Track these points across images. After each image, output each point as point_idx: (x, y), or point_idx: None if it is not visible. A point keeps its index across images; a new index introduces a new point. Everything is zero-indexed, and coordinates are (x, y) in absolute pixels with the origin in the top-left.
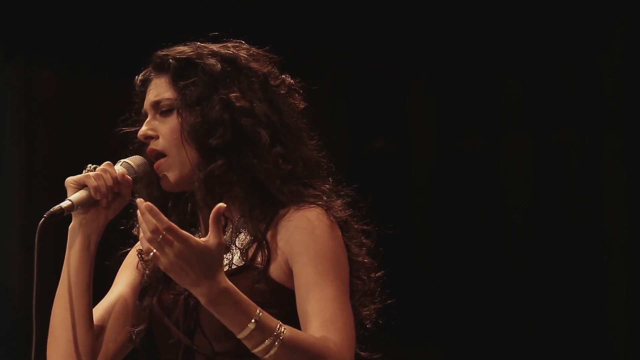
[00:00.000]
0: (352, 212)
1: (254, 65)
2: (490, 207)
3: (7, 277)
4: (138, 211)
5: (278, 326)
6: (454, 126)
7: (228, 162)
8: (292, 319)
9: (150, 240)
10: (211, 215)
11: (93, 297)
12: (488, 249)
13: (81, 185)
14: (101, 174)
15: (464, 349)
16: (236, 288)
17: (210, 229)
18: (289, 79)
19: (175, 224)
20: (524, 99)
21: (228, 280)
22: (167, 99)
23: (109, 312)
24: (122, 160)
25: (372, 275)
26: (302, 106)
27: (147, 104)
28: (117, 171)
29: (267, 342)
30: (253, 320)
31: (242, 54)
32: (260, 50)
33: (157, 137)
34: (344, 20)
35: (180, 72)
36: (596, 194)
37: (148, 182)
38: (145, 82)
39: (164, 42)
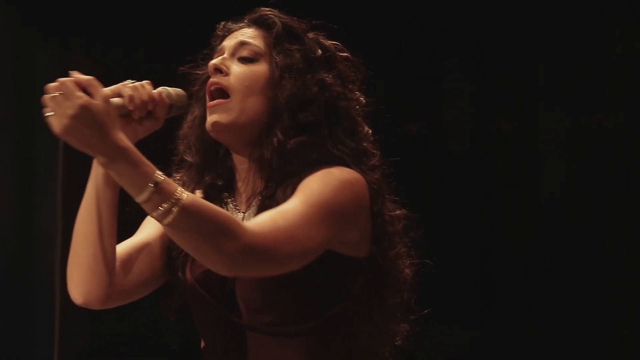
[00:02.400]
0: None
1: (342, 67)
2: (525, 189)
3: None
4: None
5: (179, 190)
6: (488, 108)
7: (312, 140)
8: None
9: (49, 99)
10: (87, 76)
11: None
12: (522, 232)
13: (116, 95)
14: (138, 87)
15: (494, 334)
16: (137, 149)
17: (90, 92)
18: (362, 99)
19: (209, 184)
20: (559, 80)
21: (126, 140)
22: (257, 46)
23: (135, 248)
24: (164, 87)
25: (408, 290)
26: (367, 131)
27: (230, 42)
28: (154, 91)
29: (165, 205)
30: (153, 183)
31: (338, 53)
32: (352, 57)
33: (227, 74)
34: (377, 3)
35: (282, 35)
36: (633, 178)
37: (194, 127)
38: (231, 29)
39: (200, 28)
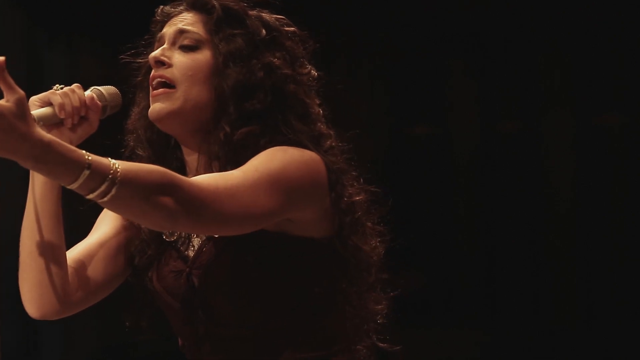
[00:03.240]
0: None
1: (289, 43)
2: (532, 189)
3: None
4: None
5: (111, 165)
6: (494, 109)
7: (261, 129)
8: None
9: None
10: None
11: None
12: (530, 232)
13: (45, 103)
14: (68, 93)
15: (504, 334)
16: (57, 139)
17: (3, 88)
18: (314, 72)
19: None
20: (566, 81)
21: (47, 134)
22: (197, 33)
23: (89, 251)
24: (94, 87)
25: (374, 269)
26: (317, 101)
27: (169, 31)
28: (86, 95)
29: (102, 186)
30: (84, 167)
31: (283, 29)
32: (298, 31)
33: (169, 66)
34: (383, 4)
35: (222, 19)
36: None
37: (142, 120)
38: (170, 14)
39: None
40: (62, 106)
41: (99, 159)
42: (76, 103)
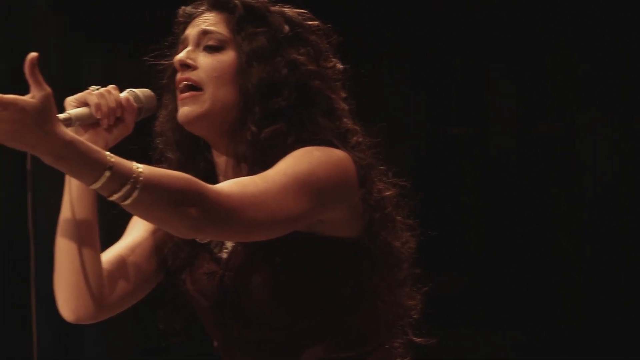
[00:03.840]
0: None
1: (313, 38)
2: (570, 191)
3: None
4: None
5: (135, 168)
6: (533, 111)
7: (287, 126)
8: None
9: None
10: (26, 70)
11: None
12: (568, 234)
13: (82, 103)
14: (104, 94)
15: (541, 335)
16: (80, 138)
17: (30, 83)
18: (339, 65)
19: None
20: (605, 82)
21: (70, 132)
22: (220, 34)
23: (123, 254)
24: (130, 89)
25: (406, 265)
26: (343, 94)
27: (192, 32)
28: (122, 96)
29: (124, 188)
30: (106, 168)
31: (306, 23)
32: (321, 24)
33: (195, 68)
34: (423, 7)
35: (244, 18)
36: None
37: (169, 120)
38: (192, 15)
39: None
40: (98, 106)
41: (122, 161)
42: (112, 104)
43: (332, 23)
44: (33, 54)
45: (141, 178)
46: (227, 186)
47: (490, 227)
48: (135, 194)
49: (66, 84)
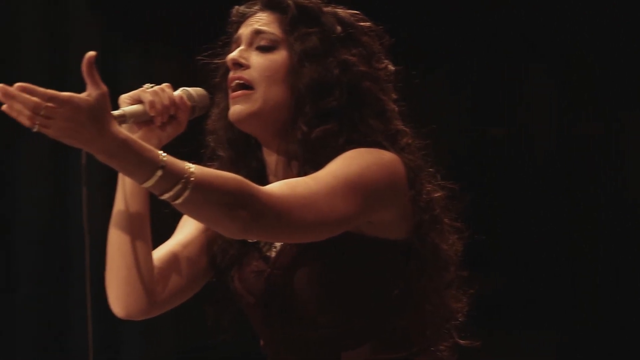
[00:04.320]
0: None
1: (365, 39)
2: (612, 192)
3: None
4: (0, 95)
5: (187, 168)
6: (574, 111)
7: (337, 127)
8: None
9: (31, 118)
10: (84, 68)
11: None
12: (610, 235)
13: (136, 101)
14: (158, 92)
15: (583, 339)
16: (134, 137)
17: (87, 81)
18: (391, 67)
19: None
20: None
21: (123, 131)
22: (273, 34)
23: (173, 252)
24: (184, 88)
25: (454, 267)
26: (394, 96)
27: (245, 32)
28: (175, 94)
29: (175, 187)
30: (158, 167)
31: (359, 24)
32: (374, 25)
33: (247, 67)
34: (462, 7)
35: (297, 18)
36: None
37: (220, 119)
38: (245, 15)
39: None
40: (152, 104)
41: (174, 161)
42: (166, 101)
43: (373, 19)
44: (91, 53)
45: (192, 178)
46: (278, 188)
47: (530, 227)
48: (186, 193)
49: (103, 83)
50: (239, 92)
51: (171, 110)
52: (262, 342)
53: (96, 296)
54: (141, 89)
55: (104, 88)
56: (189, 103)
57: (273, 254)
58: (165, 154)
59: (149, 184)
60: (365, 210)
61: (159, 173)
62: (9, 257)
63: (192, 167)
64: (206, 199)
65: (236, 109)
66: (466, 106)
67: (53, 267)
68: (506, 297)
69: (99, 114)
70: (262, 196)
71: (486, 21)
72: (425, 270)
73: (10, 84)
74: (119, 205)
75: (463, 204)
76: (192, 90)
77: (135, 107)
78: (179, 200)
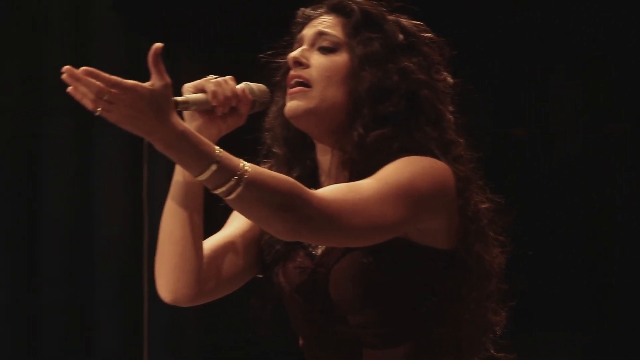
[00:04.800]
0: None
1: (426, 49)
2: (634, 194)
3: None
4: (67, 77)
5: (241, 165)
6: (597, 111)
7: (393, 132)
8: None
9: (95, 102)
10: (150, 58)
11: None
12: (635, 236)
13: (199, 90)
14: (221, 82)
15: (608, 341)
16: (193, 130)
17: (152, 72)
18: (450, 79)
19: (296, 178)
20: None
21: (184, 123)
22: (335, 36)
23: (222, 244)
24: (246, 82)
25: (495, 280)
26: (451, 108)
27: (309, 33)
28: (237, 87)
29: (229, 183)
30: (213, 162)
31: (421, 34)
32: (436, 37)
33: (307, 67)
34: (485, 8)
35: (361, 23)
36: None
37: (278, 117)
38: (310, 17)
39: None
40: (214, 94)
41: (229, 157)
42: (228, 93)
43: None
44: (158, 44)
45: (246, 176)
46: (329, 192)
47: (553, 229)
48: (238, 190)
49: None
50: (297, 88)
51: (232, 102)
52: (300, 342)
53: (124, 300)
54: (205, 78)
55: (168, 80)
56: (250, 96)
57: (318, 252)
58: (220, 150)
59: (203, 177)
60: (414, 217)
61: (214, 167)
62: (35, 258)
63: (247, 165)
64: (258, 198)
65: (292, 105)
66: (488, 108)
67: (79, 268)
68: (530, 299)
69: (160, 104)
70: (313, 200)
71: (508, 23)
72: (468, 280)
73: (36, 83)
74: (174, 192)
75: (509, 218)
76: (254, 85)
77: (198, 96)
78: (231, 196)
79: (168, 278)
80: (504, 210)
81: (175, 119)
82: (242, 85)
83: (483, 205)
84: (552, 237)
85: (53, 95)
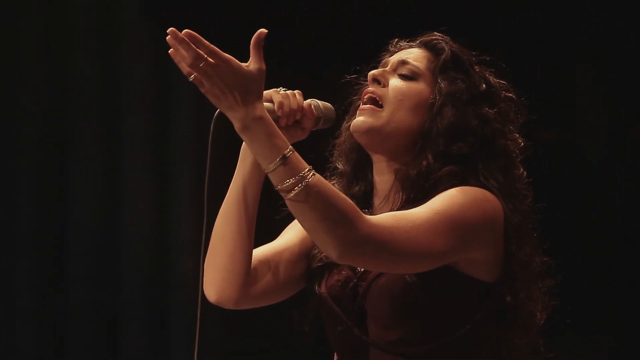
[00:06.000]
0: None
1: (504, 105)
2: None
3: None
4: (170, 38)
5: (307, 169)
6: (625, 114)
7: (462, 171)
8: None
9: (192, 66)
10: (252, 41)
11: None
12: None
13: (266, 99)
14: (289, 95)
15: (634, 343)
16: (272, 121)
17: (251, 54)
18: (520, 141)
19: (355, 195)
20: None
21: (265, 111)
22: (417, 67)
23: (273, 253)
24: (313, 99)
25: (541, 286)
26: (521, 173)
27: (393, 59)
28: (304, 103)
29: (291, 180)
30: (282, 156)
31: (502, 91)
32: (516, 97)
33: (384, 86)
34: (509, 8)
35: (449, 62)
36: None
37: (347, 142)
38: (401, 47)
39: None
40: (281, 104)
41: (299, 158)
42: (294, 106)
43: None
44: (263, 30)
45: (309, 179)
46: (383, 218)
47: (580, 233)
48: (298, 189)
49: (155, 88)
50: (368, 105)
51: (297, 116)
52: (335, 357)
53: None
54: (274, 89)
55: (264, 66)
56: (315, 112)
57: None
58: (293, 149)
59: (270, 168)
60: (461, 248)
61: (282, 161)
62: (62, 261)
63: (313, 171)
64: (314, 205)
65: (359, 120)
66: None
67: (105, 270)
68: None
69: (249, 85)
70: (367, 224)
71: (533, 22)
72: (505, 321)
73: (63, 88)
74: (231, 196)
75: (555, 278)
76: (320, 103)
77: (265, 104)
78: (291, 195)
79: (215, 277)
80: (553, 271)
81: (259, 104)
82: (309, 101)
83: (535, 258)
84: (579, 240)
85: (80, 100)
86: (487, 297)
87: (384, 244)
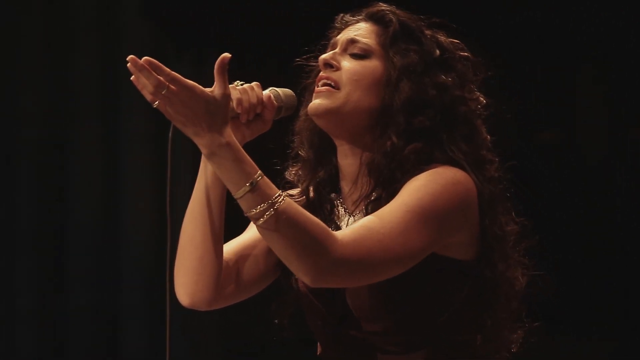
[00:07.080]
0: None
1: (460, 66)
2: None
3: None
4: (131, 66)
5: (276, 195)
6: (625, 115)
7: (427, 146)
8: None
9: (154, 94)
10: (216, 66)
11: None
12: None
13: None
14: (247, 90)
15: (635, 345)
16: (240, 147)
17: (215, 79)
18: (482, 99)
19: (321, 181)
20: None
21: (232, 136)
22: (367, 44)
23: (242, 248)
24: (273, 88)
25: (518, 296)
26: (483, 129)
27: (342, 37)
28: (263, 94)
29: (260, 207)
30: (250, 182)
31: (457, 52)
32: (472, 56)
33: (337, 69)
34: (509, 8)
35: (399, 34)
36: None
37: (308, 124)
38: (347, 23)
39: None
40: (239, 101)
41: (269, 183)
42: (253, 100)
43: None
44: (227, 55)
45: (278, 205)
46: (352, 234)
47: (580, 234)
48: (267, 217)
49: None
50: (323, 88)
51: (258, 109)
52: (319, 350)
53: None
54: (231, 85)
55: (228, 91)
56: (275, 103)
57: None
58: (263, 175)
59: (238, 194)
60: (438, 239)
61: (250, 187)
62: (62, 261)
63: (283, 196)
64: (285, 232)
65: (315, 103)
66: (513, 110)
67: (105, 271)
68: (558, 304)
69: (214, 111)
70: (338, 246)
71: (535, 23)
72: (486, 296)
73: (63, 88)
74: (196, 196)
75: (532, 241)
76: (280, 90)
77: None
78: (260, 222)
79: (186, 280)
80: (529, 232)
81: (226, 130)
82: (268, 91)
83: (509, 227)
84: (578, 242)
85: (80, 100)
86: (467, 275)
87: (359, 262)
